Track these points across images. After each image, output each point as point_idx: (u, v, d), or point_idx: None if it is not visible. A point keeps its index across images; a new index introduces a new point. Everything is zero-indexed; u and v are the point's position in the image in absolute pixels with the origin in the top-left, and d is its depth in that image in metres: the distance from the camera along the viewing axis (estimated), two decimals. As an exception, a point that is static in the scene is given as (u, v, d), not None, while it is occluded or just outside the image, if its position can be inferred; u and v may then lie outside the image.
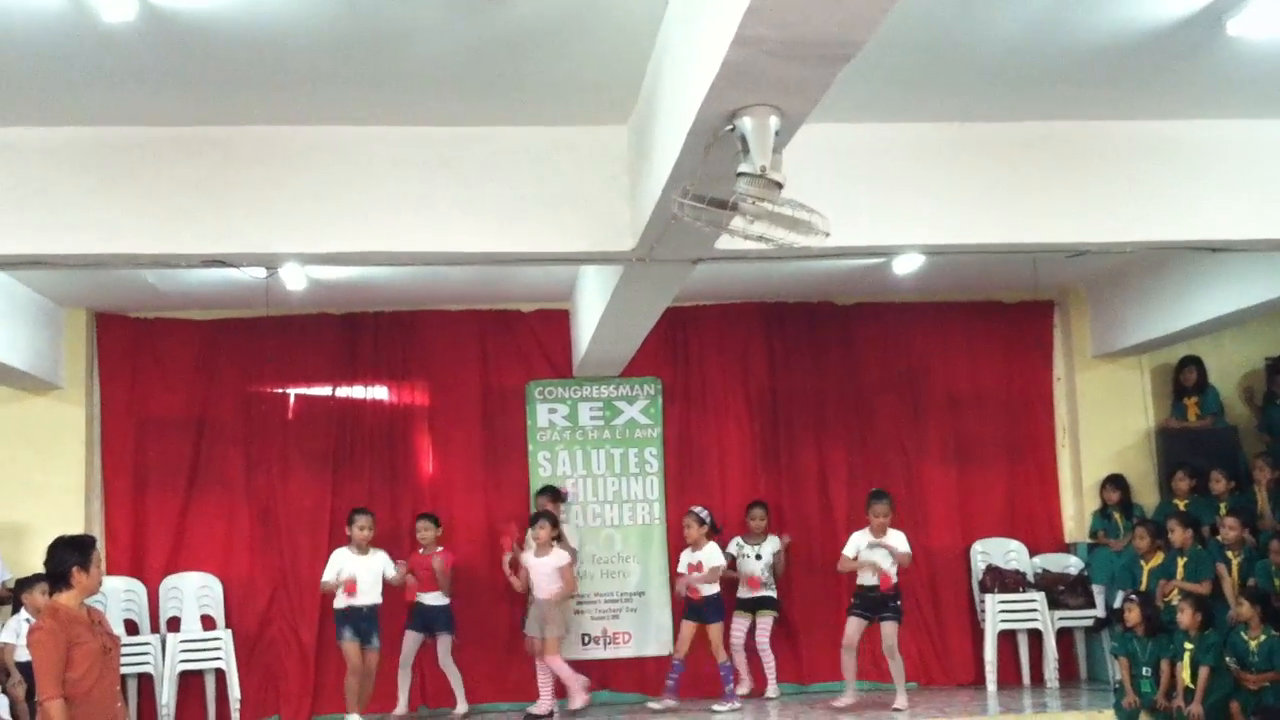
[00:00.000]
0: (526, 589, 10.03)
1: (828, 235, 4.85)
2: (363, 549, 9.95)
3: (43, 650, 5.62)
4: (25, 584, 8.91)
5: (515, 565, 10.12)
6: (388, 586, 10.01)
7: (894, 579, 9.93)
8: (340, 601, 9.85)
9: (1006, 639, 11.00)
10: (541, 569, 9.91)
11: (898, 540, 9.97)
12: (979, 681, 10.95)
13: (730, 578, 10.54)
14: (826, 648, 10.71)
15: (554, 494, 10.66)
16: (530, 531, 10.05)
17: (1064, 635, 11.10)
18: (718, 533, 10.42)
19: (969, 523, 11.33)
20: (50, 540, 5.99)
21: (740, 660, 10.56)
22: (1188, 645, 9.00)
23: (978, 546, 11.28)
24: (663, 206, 6.01)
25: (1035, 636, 10.99)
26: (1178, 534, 9.80)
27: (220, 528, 10.85)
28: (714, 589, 10.16)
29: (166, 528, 10.77)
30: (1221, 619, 9.23)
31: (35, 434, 10.48)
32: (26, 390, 10.43)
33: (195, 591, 10.60)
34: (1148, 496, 11.25)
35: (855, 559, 9.99)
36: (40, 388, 10.41)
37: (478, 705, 10.52)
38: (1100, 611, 10.83)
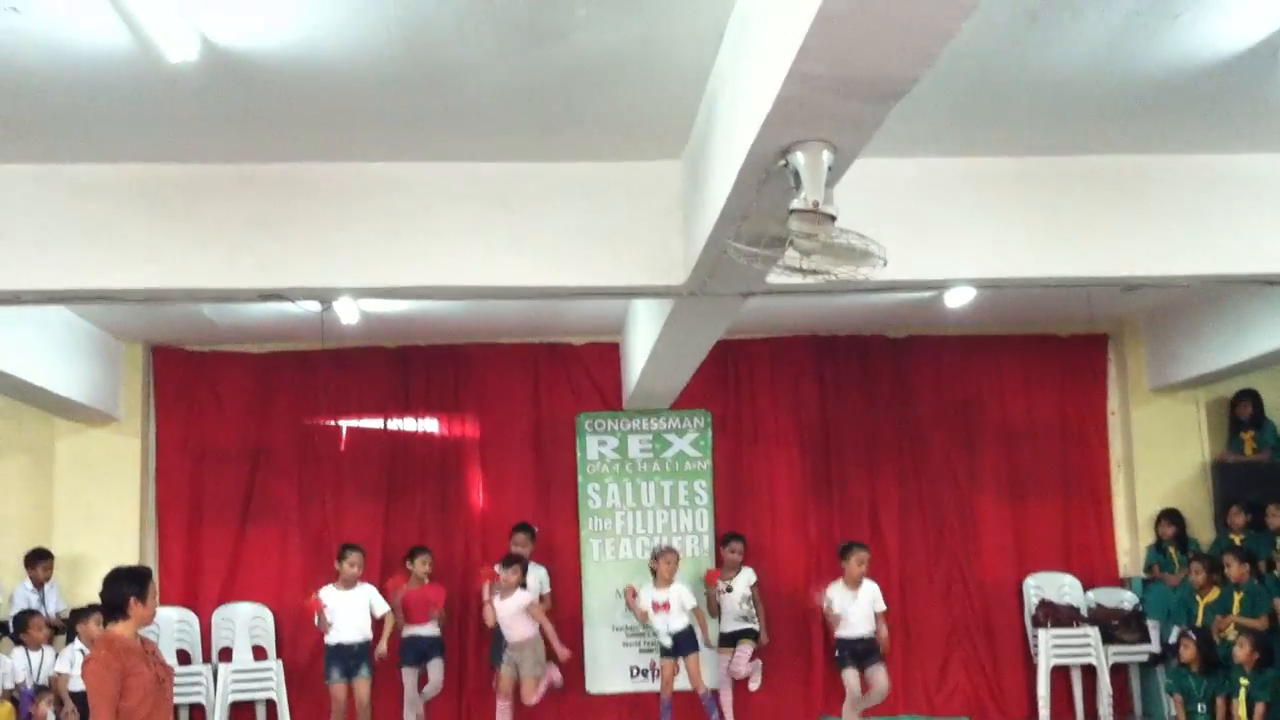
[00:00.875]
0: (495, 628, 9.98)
1: (885, 263, 4.84)
2: (349, 584, 9.94)
3: (97, 680, 5.66)
4: (80, 614, 9.00)
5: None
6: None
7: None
8: (331, 638, 9.84)
9: (1060, 674, 10.90)
10: (505, 610, 9.82)
11: (874, 594, 9.96)
12: (1032, 717, 10.84)
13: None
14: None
15: (529, 533, 10.54)
16: (502, 573, 9.87)
17: (1118, 671, 10.98)
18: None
19: (1022, 556, 11.25)
20: (105, 571, 6.04)
21: (726, 697, 10.56)
22: (1243, 681, 8.90)
23: (1031, 581, 11.19)
24: (715, 241, 6.03)
25: (1089, 672, 10.88)
26: (1234, 568, 9.69)
27: (273, 559, 10.95)
28: (685, 623, 10.14)
29: (220, 559, 10.88)
30: (1279, 653, 9.10)
31: (93, 466, 10.64)
32: (85, 423, 10.58)
33: (247, 622, 10.68)
34: (1203, 531, 11.14)
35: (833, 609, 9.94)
36: (98, 420, 10.55)
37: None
38: (1155, 647, 10.71)
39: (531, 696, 9.85)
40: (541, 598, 10.25)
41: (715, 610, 10.52)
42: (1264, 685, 8.77)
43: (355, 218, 6.99)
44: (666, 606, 10.13)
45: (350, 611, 9.86)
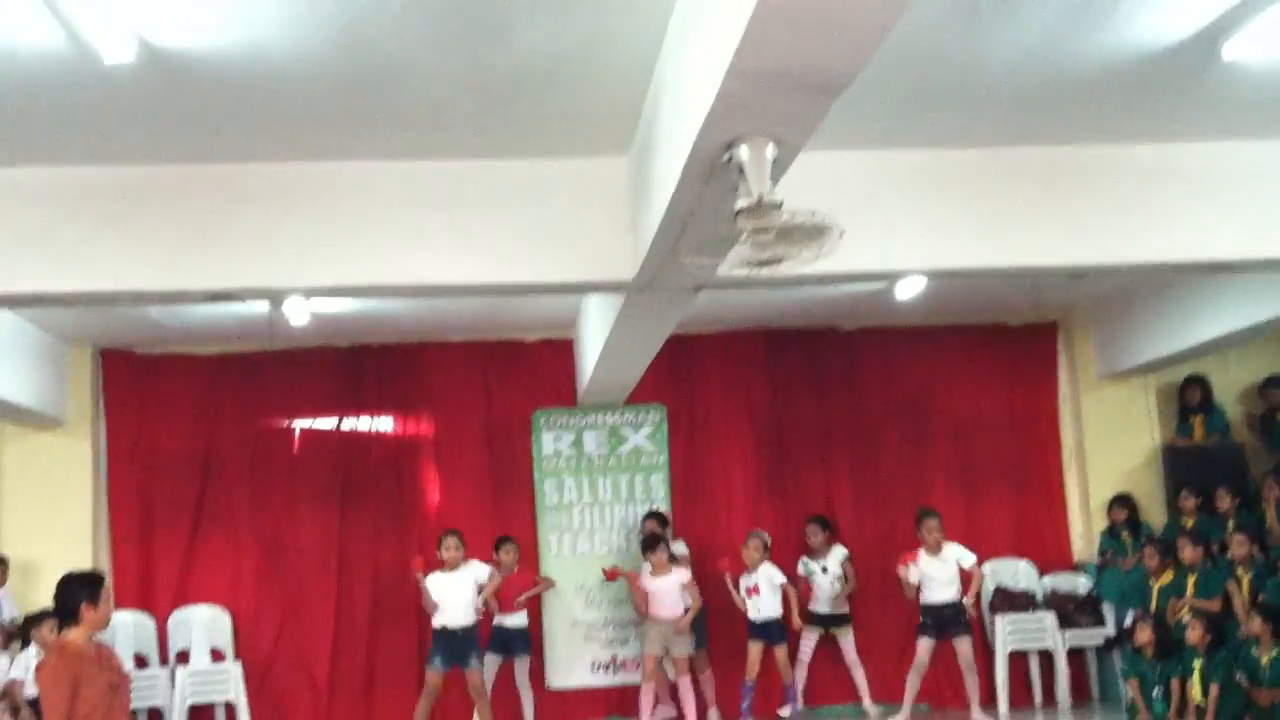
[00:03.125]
0: (644, 611, 10.12)
1: (843, 232, 4.81)
2: (453, 567, 9.83)
3: (49, 688, 5.60)
4: (34, 620, 8.91)
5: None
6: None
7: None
8: (436, 621, 9.75)
9: (1017, 660, 10.97)
10: (665, 588, 10.01)
11: (960, 554, 10.11)
12: (991, 703, 10.89)
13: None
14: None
15: (660, 519, 10.72)
16: (650, 556, 10.12)
17: (1075, 655, 11.07)
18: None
19: (977, 546, 11.18)
20: (58, 576, 5.99)
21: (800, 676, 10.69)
22: (1197, 663, 8.97)
23: (986, 568, 11.21)
24: (663, 235, 6.03)
25: (1046, 657, 10.97)
26: (1188, 552, 9.77)
27: (228, 561, 10.88)
28: (777, 609, 10.26)
29: (174, 561, 10.81)
30: (1232, 636, 9.20)
31: (42, 471, 10.54)
32: (32, 427, 10.48)
33: (204, 624, 10.61)
34: (1155, 515, 11.24)
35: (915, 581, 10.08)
36: (46, 424, 10.46)
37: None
38: (1111, 630, 10.80)
39: (685, 678, 10.04)
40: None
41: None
42: (1217, 666, 8.85)
43: (302, 217, 6.95)
44: (756, 590, 10.26)
45: (456, 594, 9.72)
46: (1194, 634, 9.03)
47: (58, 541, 10.24)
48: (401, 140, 6.69)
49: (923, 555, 10.09)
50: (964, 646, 10.03)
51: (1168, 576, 9.93)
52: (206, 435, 10.95)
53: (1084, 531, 11.52)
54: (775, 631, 10.30)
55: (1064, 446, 11.70)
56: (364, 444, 11.19)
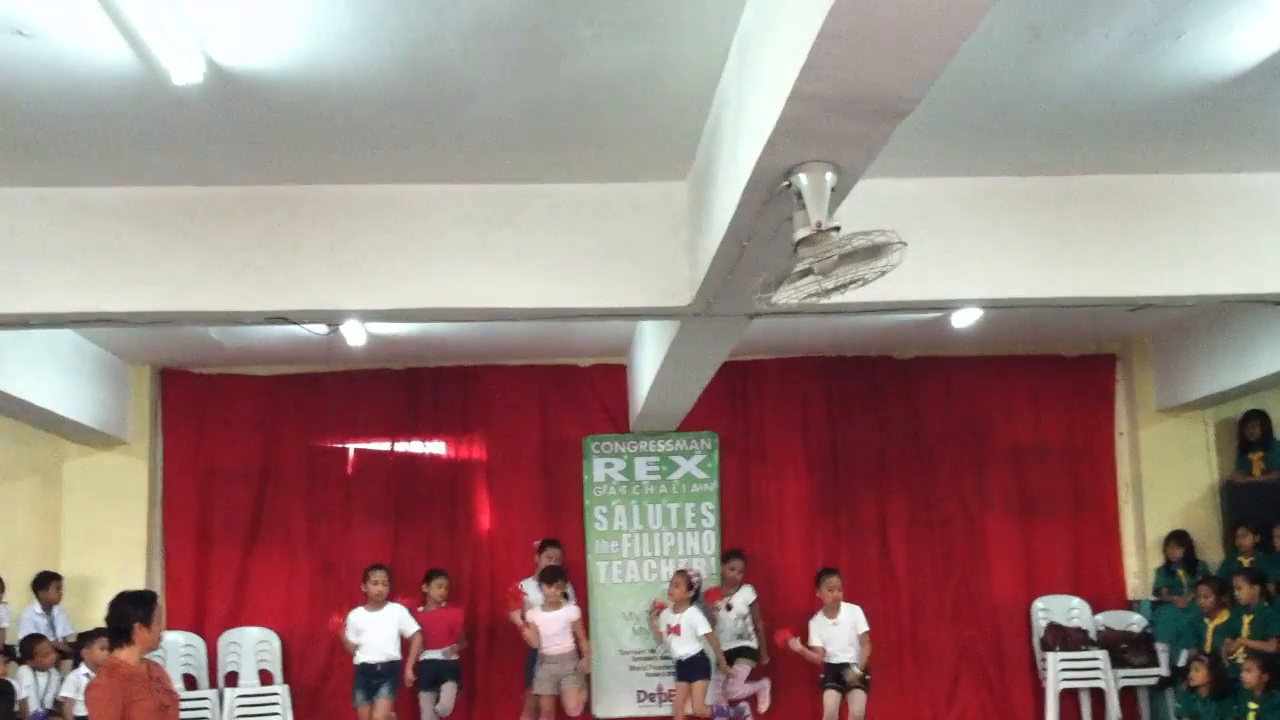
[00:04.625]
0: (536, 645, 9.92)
1: (904, 244, 4.77)
2: (378, 604, 9.88)
3: (99, 707, 5.62)
4: (86, 638, 9.00)
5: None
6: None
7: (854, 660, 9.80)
8: (357, 659, 9.75)
9: (1069, 698, 10.85)
10: (550, 625, 9.85)
11: (856, 618, 9.85)
12: (1044, 741, 10.80)
13: None
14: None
15: (558, 548, 10.54)
16: (547, 589, 9.91)
17: (1127, 694, 10.92)
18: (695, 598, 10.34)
19: (1031, 578, 11.22)
20: (112, 594, 6.03)
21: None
22: (1252, 705, 8.82)
23: (1039, 603, 11.14)
24: (720, 261, 6.04)
25: (1098, 695, 10.82)
26: (1244, 590, 9.63)
27: (281, 581, 10.95)
28: (697, 648, 10.10)
29: (227, 582, 10.89)
30: (1289, 677, 9.05)
31: (101, 488, 10.65)
32: (92, 445, 10.60)
33: (254, 646, 10.67)
34: (1212, 553, 11.09)
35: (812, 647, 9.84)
36: (106, 443, 10.57)
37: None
38: (1164, 670, 10.66)
39: (578, 708, 9.91)
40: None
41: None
42: (1273, 709, 8.70)
43: (361, 239, 7.01)
44: (677, 630, 10.14)
45: (378, 632, 9.77)
46: (1250, 675, 8.89)
47: (114, 559, 10.38)
48: (462, 162, 6.74)
49: (819, 618, 9.88)
50: (857, 704, 9.67)
51: (1223, 616, 9.79)
52: (263, 455, 11.05)
53: (1139, 568, 11.38)
54: (699, 668, 10.14)
55: (1120, 480, 11.58)
56: (418, 466, 11.25)
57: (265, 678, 10.62)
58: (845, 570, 10.76)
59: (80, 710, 8.54)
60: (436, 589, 10.25)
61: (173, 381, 11.07)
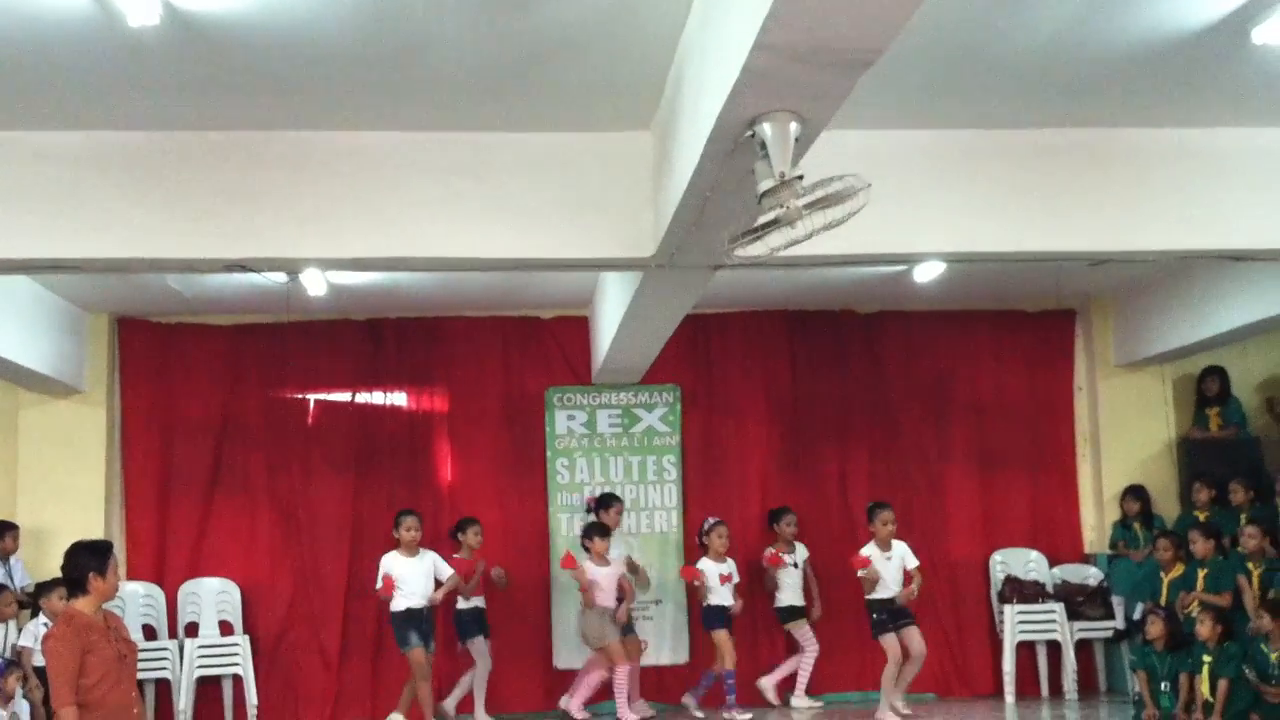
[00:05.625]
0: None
1: (869, 185, 4.76)
2: (411, 550, 9.88)
3: (56, 658, 5.62)
4: (44, 588, 8.94)
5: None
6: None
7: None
8: (398, 604, 9.72)
9: (1025, 650, 10.97)
10: (608, 578, 10.10)
11: (905, 553, 10.07)
12: (997, 693, 10.91)
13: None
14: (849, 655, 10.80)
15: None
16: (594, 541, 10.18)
17: (1083, 647, 11.06)
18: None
19: (990, 532, 11.30)
20: (69, 544, 6.00)
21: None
22: (1206, 658, 8.94)
23: (997, 557, 11.24)
24: (683, 212, 6.02)
25: (1054, 648, 10.95)
26: (1199, 545, 9.73)
27: (241, 533, 10.89)
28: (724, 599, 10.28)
29: (187, 532, 10.81)
30: (1242, 631, 9.17)
31: (58, 438, 10.55)
32: (50, 394, 10.50)
33: (213, 597, 10.63)
34: (1169, 507, 11.21)
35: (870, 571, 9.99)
36: (63, 392, 10.47)
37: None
38: (1120, 623, 10.78)
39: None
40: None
41: (774, 586, 10.63)
42: (1226, 661, 8.82)
43: (322, 188, 6.95)
44: (730, 577, 10.31)
45: (417, 577, 9.76)
46: (1204, 629, 9.00)
47: (72, 509, 10.27)
48: (423, 111, 6.68)
49: (875, 550, 10.03)
50: (916, 641, 9.90)
51: (1179, 570, 9.89)
52: (223, 405, 10.95)
53: (1096, 522, 11.49)
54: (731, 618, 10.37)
55: (1079, 435, 11.67)
56: (379, 417, 11.19)
57: (225, 628, 10.57)
58: (806, 523, 10.88)
59: (39, 660, 8.52)
60: (473, 537, 10.22)
61: (131, 331, 10.95)
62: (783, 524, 10.73)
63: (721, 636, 10.21)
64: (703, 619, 10.41)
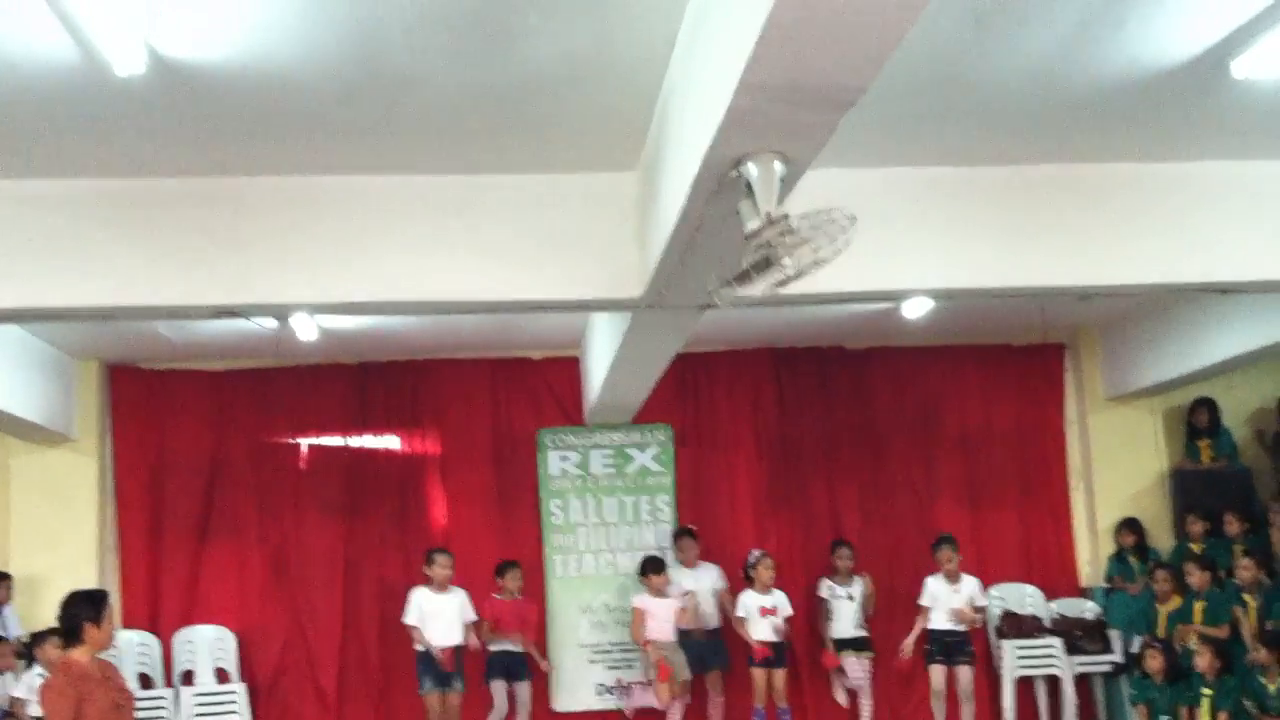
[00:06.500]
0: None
1: (854, 219, 4.77)
2: (442, 588, 9.88)
3: (52, 707, 5.60)
4: (39, 639, 8.90)
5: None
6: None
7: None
8: (421, 644, 9.76)
9: (1025, 685, 10.92)
10: (665, 612, 10.15)
11: (975, 591, 10.23)
12: (997, 729, 10.86)
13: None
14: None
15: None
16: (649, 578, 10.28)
17: (1082, 681, 11.00)
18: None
19: (984, 567, 11.23)
20: (64, 592, 5.98)
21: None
22: (1206, 691, 8.92)
23: (994, 591, 11.20)
24: (671, 252, 6.03)
25: (1053, 683, 10.90)
26: (1196, 577, 9.74)
27: (233, 578, 10.87)
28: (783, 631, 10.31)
29: (180, 579, 10.80)
30: (1240, 662, 9.15)
31: (49, 486, 10.53)
32: (40, 443, 10.48)
33: (209, 644, 10.59)
34: (1162, 539, 11.20)
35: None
36: (54, 440, 10.46)
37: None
38: (1119, 657, 10.75)
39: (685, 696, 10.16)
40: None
41: (828, 616, 10.65)
42: (1226, 694, 8.81)
43: (310, 231, 6.95)
44: (774, 611, 10.28)
45: (443, 616, 9.78)
46: (1202, 661, 8.99)
47: (64, 557, 10.26)
48: (409, 154, 6.69)
49: (942, 582, 10.20)
50: (965, 676, 10.01)
51: (1175, 602, 9.90)
52: (213, 450, 10.95)
53: (1091, 556, 11.48)
54: (783, 655, 10.33)
55: (1070, 469, 11.68)
56: (370, 460, 11.19)
57: (221, 676, 10.54)
58: (798, 560, 10.88)
59: (35, 710, 8.47)
60: (511, 580, 10.25)
61: (121, 377, 10.95)
62: (835, 557, 10.80)
63: (754, 675, 10.24)
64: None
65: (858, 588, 10.66)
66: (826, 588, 10.68)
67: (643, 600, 10.23)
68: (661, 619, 10.10)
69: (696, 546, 10.68)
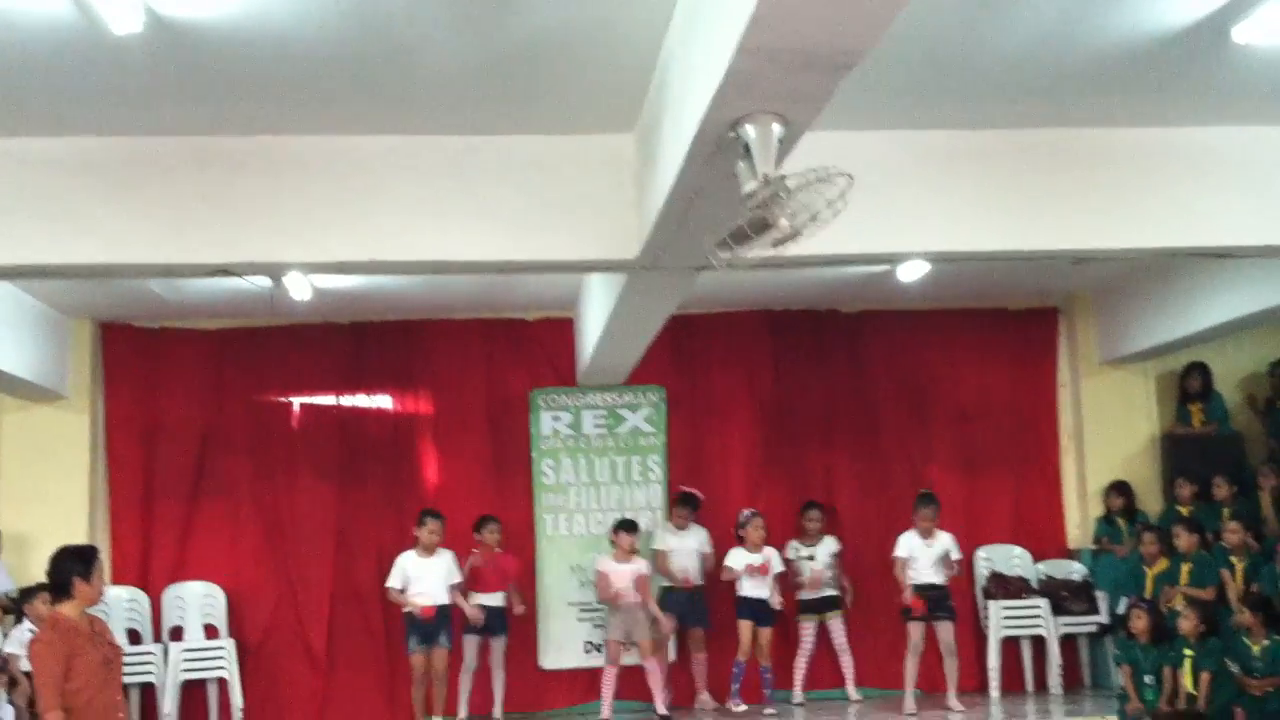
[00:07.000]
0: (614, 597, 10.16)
1: (850, 177, 4.76)
2: (429, 551, 9.93)
3: (42, 662, 5.63)
4: (28, 594, 8.91)
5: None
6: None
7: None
8: (409, 606, 9.84)
9: (1010, 645, 10.99)
10: (623, 578, 10.16)
11: (949, 545, 10.22)
12: (982, 689, 10.92)
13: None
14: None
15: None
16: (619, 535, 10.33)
17: (1068, 642, 11.09)
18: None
19: (974, 529, 11.30)
20: (52, 550, 5.99)
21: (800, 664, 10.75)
22: (1188, 652, 8.97)
23: (981, 553, 11.27)
24: (668, 214, 6.03)
25: (1039, 643, 10.98)
26: (1183, 540, 9.80)
27: (225, 537, 10.87)
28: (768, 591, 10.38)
29: (171, 537, 10.79)
30: (1225, 625, 9.22)
31: (40, 443, 10.50)
32: (32, 400, 10.46)
33: (198, 601, 10.61)
34: (1153, 503, 11.25)
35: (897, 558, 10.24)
36: (45, 397, 10.43)
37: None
38: (1104, 618, 10.83)
39: (652, 658, 10.12)
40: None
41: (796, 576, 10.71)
42: (1209, 655, 8.87)
43: (305, 191, 6.93)
44: (765, 569, 10.38)
45: (431, 579, 9.85)
46: (1187, 623, 9.03)
47: (55, 515, 10.23)
48: (408, 115, 6.68)
49: (916, 539, 10.20)
50: (945, 632, 10.06)
51: (1163, 564, 9.96)
52: (206, 410, 10.93)
53: (1080, 518, 11.53)
54: (770, 613, 10.40)
55: (1062, 432, 11.71)
56: (364, 420, 11.19)
57: (210, 632, 10.56)
58: (789, 521, 10.91)
59: (25, 665, 8.49)
60: (489, 534, 10.28)
61: (114, 336, 10.92)
62: (804, 518, 10.88)
63: (741, 626, 10.33)
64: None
65: (823, 549, 10.71)
66: (792, 548, 10.75)
67: (605, 564, 10.27)
68: (620, 585, 10.11)
69: (694, 514, 10.70)
